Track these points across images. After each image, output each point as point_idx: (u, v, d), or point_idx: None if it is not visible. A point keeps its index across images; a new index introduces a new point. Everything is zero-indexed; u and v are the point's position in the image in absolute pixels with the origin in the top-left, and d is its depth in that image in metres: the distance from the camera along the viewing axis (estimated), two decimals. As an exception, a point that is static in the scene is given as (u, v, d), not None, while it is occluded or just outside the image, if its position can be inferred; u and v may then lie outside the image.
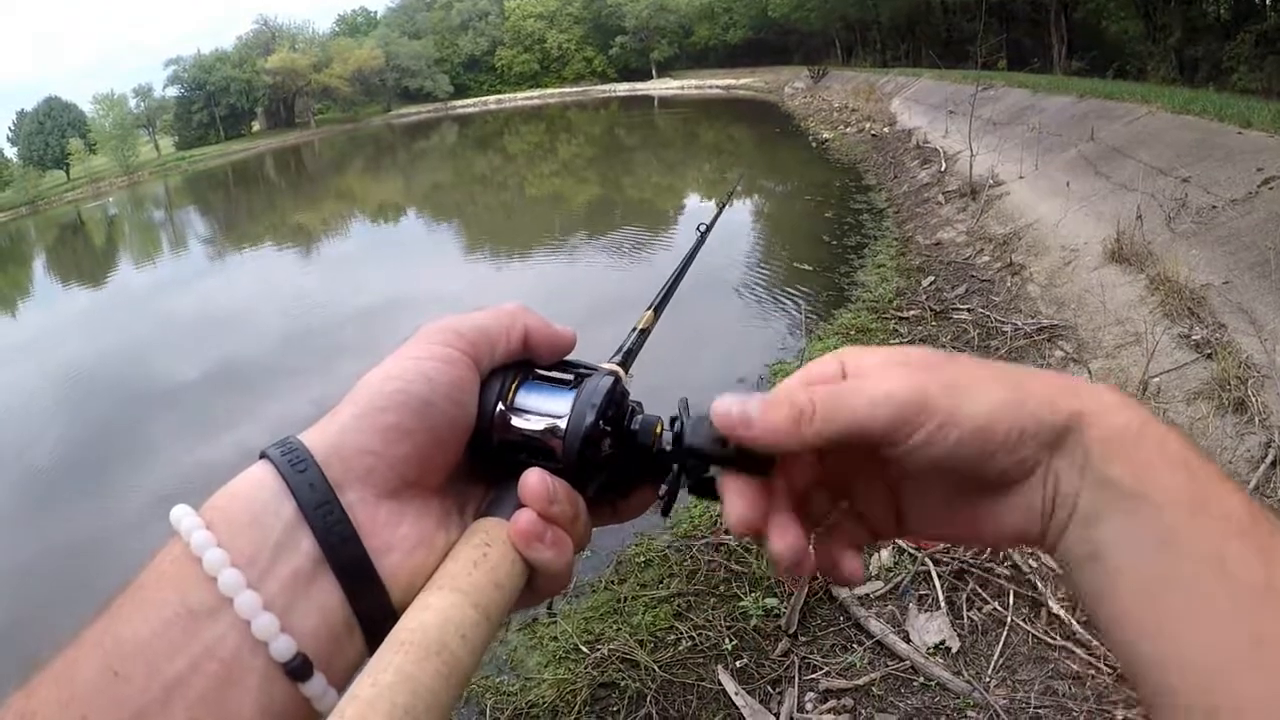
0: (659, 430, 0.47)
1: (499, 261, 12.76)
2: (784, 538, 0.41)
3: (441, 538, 0.42)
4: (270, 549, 0.37)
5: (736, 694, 2.69)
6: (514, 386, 0.46)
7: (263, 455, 0.39)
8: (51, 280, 20.84)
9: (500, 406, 0.44)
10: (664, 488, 0.47)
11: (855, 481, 0.44)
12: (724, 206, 0.92)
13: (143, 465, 6.53)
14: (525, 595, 0.43)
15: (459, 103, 71.50)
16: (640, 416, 0.47)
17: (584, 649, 2.97)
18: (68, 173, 56.26)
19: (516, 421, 0.44)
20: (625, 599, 3.22)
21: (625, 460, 0.47)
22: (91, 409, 8.24)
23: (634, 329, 0.60)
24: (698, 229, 0.80)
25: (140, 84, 67.75)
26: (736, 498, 0.41)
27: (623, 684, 2.80)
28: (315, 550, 0.37)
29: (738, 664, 2.83)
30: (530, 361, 0.47)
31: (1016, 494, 0.39)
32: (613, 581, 3.42)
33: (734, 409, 0.39)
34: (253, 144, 61.85)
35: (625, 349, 0.57)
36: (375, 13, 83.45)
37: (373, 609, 0.38)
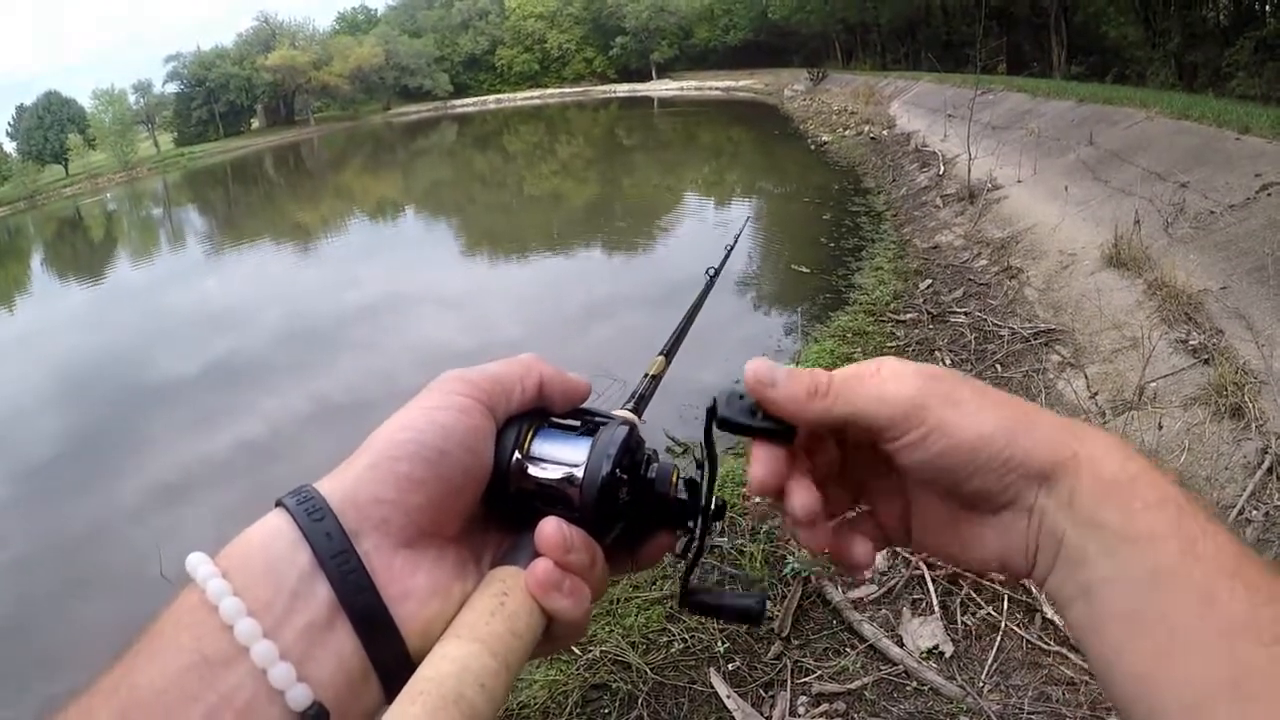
0: (675, 479, 0.48)
1: (497, 260, 12.75)
2: (799, 497, 0.44)
3: (458, 587, 0.42)
4: (286, 597, 0.37)
5: (728, 697, 2.67)
6: (530, 435, 0.46)
7: (278, 504, 0.40)
8: (49, 275, 20.83)
9: (516, 455, 0.45)
10: (682, 540, 0.50)
11: (871, 486, 0.48)
12: (731, 249, 0.92)
13: (140, 458, 6.51)
14: (543, 644, 0.43)
15: (459, 102, 71.50)
16: (656, 465, 0.48)
17: (575, 650, 2.95)
18: (66, 168, 56.16)
19: (533, 470, 0.45)
20: (617, 600, 3.20)
21: (642, 508, 0.47)
22: (88, 403, 8.22)
23: (645, 375, 0.60)
24: (706, 273, 0.79)
25: (140, 80, 67.79)
26: (760, 462, 0.44)
27: (614, 686, 2.79)
28: (332, 599, 0.37)
29: (730, 667, 2.82)
30: (545, 410, 0.48)
31: (1000, 520, 0.41)
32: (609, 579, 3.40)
33: (764, 368, 0.44)
34: (252, 141, 61.78)
35: (638, 395, 0.57)
36: (375, 11, 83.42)
37: (389, 658, 0.38)
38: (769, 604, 3.03)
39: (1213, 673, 0.34)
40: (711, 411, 0.46)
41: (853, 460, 0.48)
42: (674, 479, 0.48)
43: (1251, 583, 0.35)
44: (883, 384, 0.42)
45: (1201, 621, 0.35)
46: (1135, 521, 0.37)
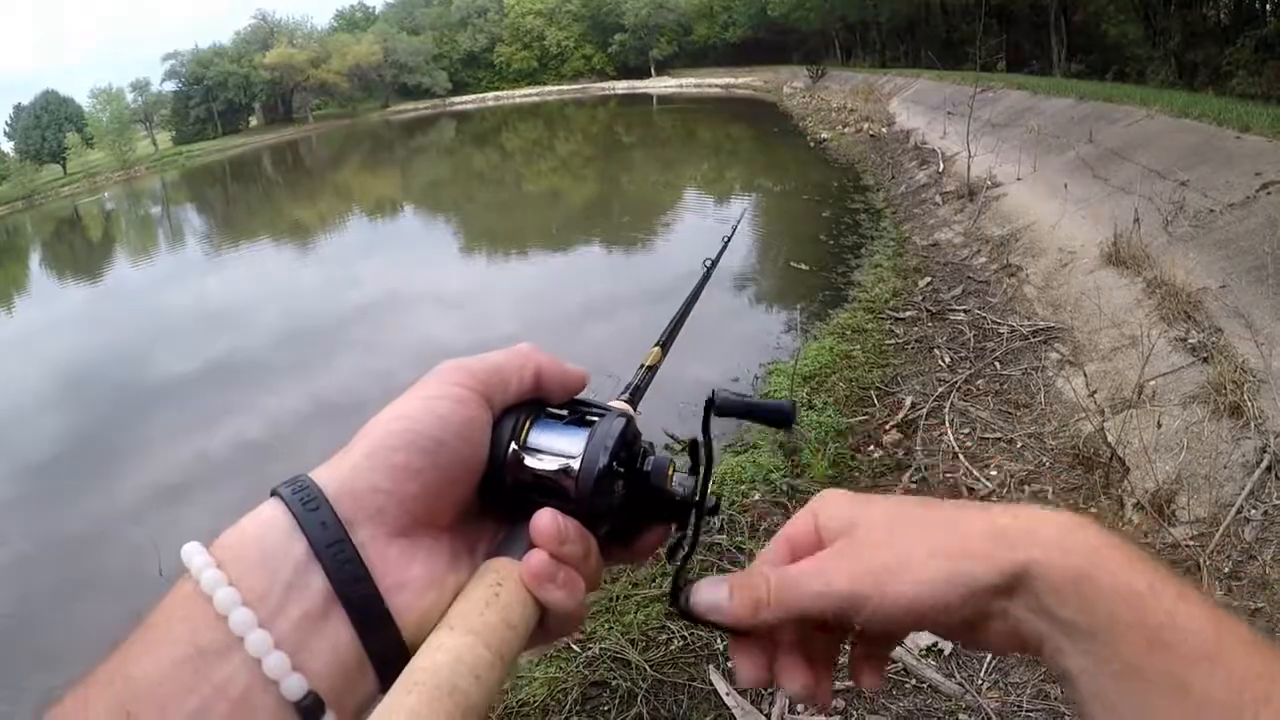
0: (671, 472, 0.48)
1: (496, 258, 12.74)
2: (793, 681, 0.45)
3: (453, 577, 0.42)
4: (281, 588, 0.37)
5: (728, 694, 2.67)
6: (527, 426, 0.46)
7: (274, 493, 0.39)
8: (48, 275, 20.80)
9: (513, 446, 0.44)
10: (675, 536, 0.49)
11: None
12: (728, 240, 0.91)
13: (139, 456, 6.51)
14: (537, 635, 0.43)
15: (457, 99, 71.35)
16: (652, 458, 0.48)
17: (575, 648, 2.95)
18: (64, 167, 56.03)
19: (529, 461, 0.44)
20: (617, 598, 3.20)
21: (637, 501, 0.47)
22: (87, 402, 8.22)
23: (642, 365, 0.60)
24: (704, 263, 0.79)
25: (138, 78, 67.67)
26: (743, 663, 0.46)
27: (614, 683, 2.79)
28: (327, 589, 0.37)
29: (729, 664, 2.82)
30: (542, 401, 0.47)
31: (985, 630, 0.42)
32: (604, 580, 3.40)
33: (707, 601, 0.45)
34: (250, 139, 61.66)
35: (634, 386, 0.57)
36: (374, 8, 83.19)
37: (384, 648, 0.38)
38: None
39: None
40: (710, 403, 0.46)
41: None
42: (669, 472, 0.48)
43: (1228, 663, 0.35)
44: (815, 580, 0.42)
45: (1178, 713, 0.35)
46: (1096, 620, 0.37)
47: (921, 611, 0.40)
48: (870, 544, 0.43)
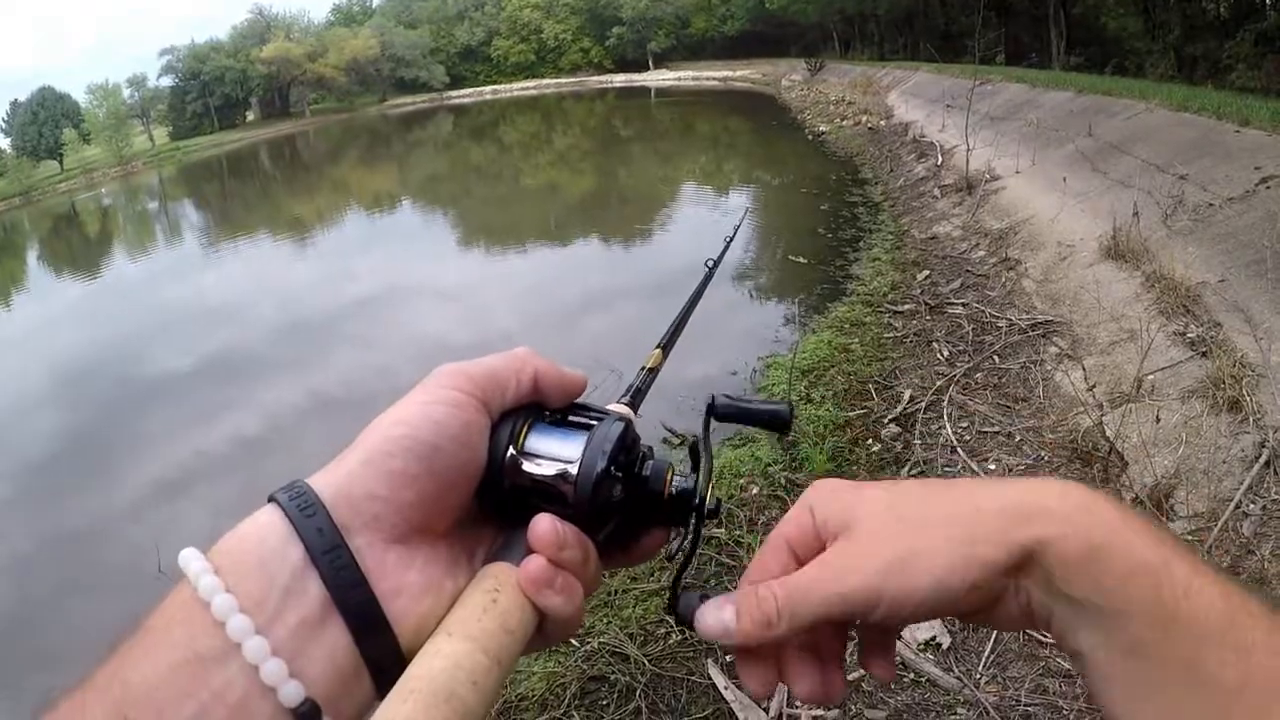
0: (670, 476, 0.48)
1: (494, 252, 12.72)
2: (804, 683, 0.44)
3: (450, 583, 0.42)
4: (278, 594, 0.37)
5: (726, 688, 2.67)
6: (524, 430, 0.45)
7: (271, 499, 0.39)
8: (45, 271, 20.77)
9: (511, 451, 0.44)
10: (676, 539, 0.49)
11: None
12: (730, 241, 0.91)
13: (137, 453, 6.50)
14: (535, 640, 0.43)
15: (455, 93, 71.31)
16: (651, 462, 0.48)
17: (573, 642, 2.95)
18: (61, 163, 55.97)
19: (527, 466, 0.44)
20: (615, 592, 3.20)
21: (636, 505, 0.47)
22: (85, 398, 8.21)
23: (642, 368, 0.59)
24: (705, 264, 0.79)
25: (135, 74, 67.57)
26: (750, 674, 0.45)
27: (612, 678, 2.79)
28: (324, 595, 0.37)
29: (728, 658, 2.82)
30: (540, 405, 0.47)
31: (997, 610, 0.41)
32: (603, 575, 3.40)
33: (714, 627, 0.44)
34: (247, 134, 61.62)
35: (634, 389, 0.56)
36: (371, 2, 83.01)
37: (381, 654, 0.38)
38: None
39: None
40: (710, 408, 0.46)
41: None
42: (668, 476, 0.47)
43: (1242, 641, 0.34)
44: (827, 583, 0.42)
45: (1189, 693, 0.34)
46: (1108, 597, 0.37)
47: (937, 600, 0.40)
48: (876, 537, 0.42)
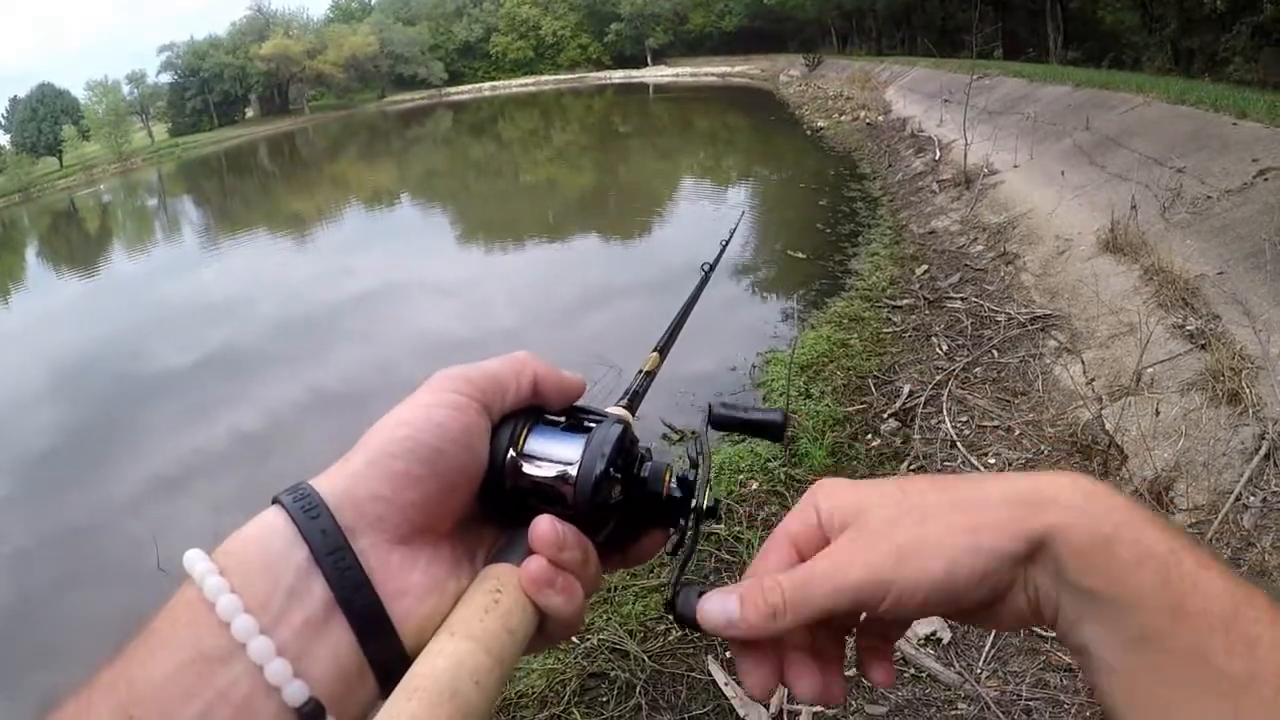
0: (668, 476, 0.48)
1: (493, 249, 12.73)
2: (805, 683, 0.44)
3: (453, 583, 0.42)
4: (283, 595, 0.37)
5: (726, 684, 2.68)
6: (524, 433, 0.46)
7: (275, 501, 0.40)
8: (45, 268, 20.73)
9: (511, 453, 0.45)
10: (674, 538, 0.49)
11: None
12: (726, 244, 0.91)
13: (137, 450, 6.50)
14: (536, 639, 0.43)
15: (454, 89, 71.18)
16: (649, 463, 0.48)
17: (574, 639, 2.95)
18: (60, 160, 55.87)
19: (527, 468, 0.45)
20: (615, 589, 3.20)
21: (635, 506, 0.48)
22: (85, 394, 8.21)
23: (640, 371, 0.60)
24: (701, 268, 0.79)
25: (134, 70, 67.46)
26: (751, 672, 0.45)
27: (612, 674, 2.79)
28: (328, 596, 0.38)
29: (728, 654, 2.82)
30: (540, 407, 0.48)
31: (1003, 605, 0.41)
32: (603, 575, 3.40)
33: (718, 618, 0.43)
34: (246, 131, 61.47)
35: (632, 392, 0.57)
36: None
37: (385, 654, 0.39)
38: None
39: None
40: (708, 417, 0.48)
41: None
42: (667, 477, 0.48)
43: (1248, 634, 0.34)
44: (833, 575, 0.41)
45: (1196, 685, 0.34)
46: (1117, 586, 0.36)
47: (946, 590, 0.39)
48: (882, 527, 0.42)
